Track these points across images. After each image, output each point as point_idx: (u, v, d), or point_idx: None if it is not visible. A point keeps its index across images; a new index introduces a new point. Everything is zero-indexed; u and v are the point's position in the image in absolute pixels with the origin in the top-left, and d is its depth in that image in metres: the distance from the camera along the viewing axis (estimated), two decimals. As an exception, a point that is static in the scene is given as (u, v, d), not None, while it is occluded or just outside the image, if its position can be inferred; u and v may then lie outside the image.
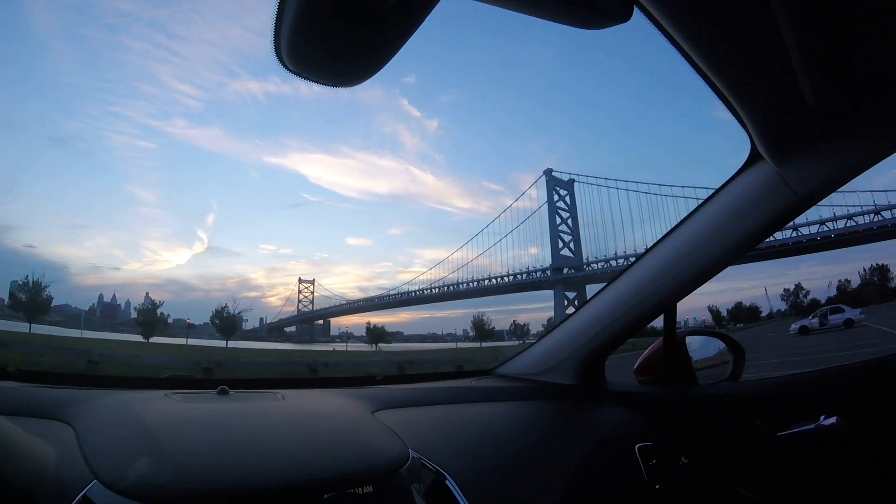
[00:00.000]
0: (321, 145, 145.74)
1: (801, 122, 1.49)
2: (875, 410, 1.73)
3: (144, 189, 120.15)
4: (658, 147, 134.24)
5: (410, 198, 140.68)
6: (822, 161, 1.61)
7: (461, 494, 1.15)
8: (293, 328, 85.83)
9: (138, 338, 46.37)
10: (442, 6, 0.67)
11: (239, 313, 58.96)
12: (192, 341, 52.52)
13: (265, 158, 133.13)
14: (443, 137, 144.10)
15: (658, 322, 2.09)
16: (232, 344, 51.16)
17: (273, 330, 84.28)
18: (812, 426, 1.74)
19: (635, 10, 1.14)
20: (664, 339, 2.04)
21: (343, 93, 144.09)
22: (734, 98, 1.41)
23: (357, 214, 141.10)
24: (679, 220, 1.91)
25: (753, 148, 1.64)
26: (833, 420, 1.72)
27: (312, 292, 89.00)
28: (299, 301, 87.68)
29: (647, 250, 1.97)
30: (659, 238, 1.96)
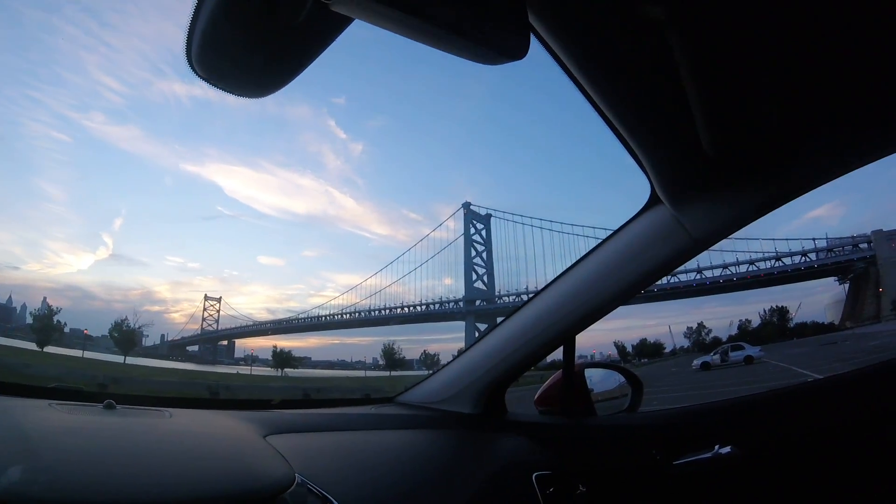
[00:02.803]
0: (242, 157, 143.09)
1: (699, 171, 1.57)
2: (768, 440, 1.83)
3: (53, 184, 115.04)
4: (572, 188, 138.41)
5: (328, 220, 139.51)
6: (717, 208, 1.70)
7: None
8: (196, 347, 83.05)
9: (32, 346, 43.52)
10: (382, 31, 0.68)
11: (140, 328, 56.78)
12: (88, 354, 49.56)
13: (182, 165, 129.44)
14: (367, 162, 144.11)
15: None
16: (131, 360, 49.09)
17: (175, 348, 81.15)
18: (707, 455, 1.81)
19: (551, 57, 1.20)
20: (563, 371, 2.07)
21: (271, 107, 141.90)
22: (635, 144, 1.48)
23: (272, 232, 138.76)
24: (580, 257, 1.96)
25: (653, 192, 1.72)
26: (728, 449, 1.79)
27: (218, 311, 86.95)
28: (204, 319, 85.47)
29: (549, 284, 2.00)
30: (560, 272, 2.00)
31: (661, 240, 1.79)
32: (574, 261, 1.96)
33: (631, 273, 1.85)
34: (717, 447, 1.81)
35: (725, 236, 1.79)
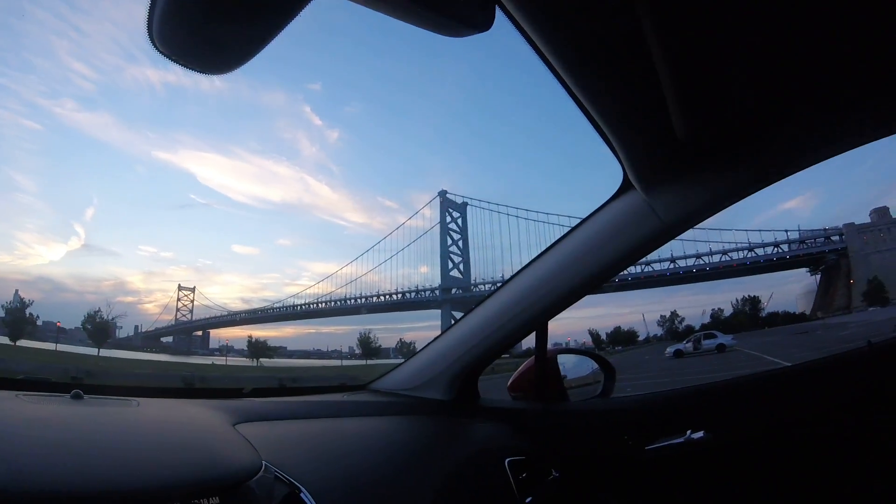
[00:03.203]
0: (215, 145, 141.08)
1: (671, 156, 1.58)
2: (738, 425, 1.87)
3: (24, 174, 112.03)
4: (549, 176, 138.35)
5: (303, 208, 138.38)
6: (689, 194, 1.71)
7: None
8: (170, 338, 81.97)
9: (4, 339, 42.65)
10: (357, 11, 0.68)
11: (113, 319, 55.97)
12: (62, 347, 48.45)
13: (154, 153, 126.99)
14: (343, 149, 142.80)
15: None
16: (104, 352, 48.08)
17: (149, 339, 79.79)
18: (679, 440, 1.84)
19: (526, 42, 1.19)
20: (536, 357, 2.09)
21: (245, 93, 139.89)
22: (607, 129, 1.48)
23: (246, 221, 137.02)
24: (552, 242, 1.97)
25: (625, 177, 1.73)
26: (699, 434, 1.82)
27: (192, 301, 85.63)
28: (178, 310, 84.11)
29: (521, 270, 2.01)
30: (532, 258, 2.00)
31: (633, 225, 1.79)
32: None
33: (603, 258, 1.85)
34: (688, 432, 1.83)
35: (697, 222, 1.80)
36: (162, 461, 1.01)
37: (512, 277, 2.03)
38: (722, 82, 1.31)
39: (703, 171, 1.67)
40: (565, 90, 1.33)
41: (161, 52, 0.69)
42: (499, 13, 1.09)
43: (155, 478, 0.93)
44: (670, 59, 1.18)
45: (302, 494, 1.13)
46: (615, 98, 1.37)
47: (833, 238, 55.98)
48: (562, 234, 1.91)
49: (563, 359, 2.20)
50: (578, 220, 1.89)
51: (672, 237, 1.81)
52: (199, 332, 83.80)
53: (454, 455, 1.64)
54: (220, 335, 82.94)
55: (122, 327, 69.43)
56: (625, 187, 1.77)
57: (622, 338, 59.84)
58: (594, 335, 58.82)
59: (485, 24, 0.76)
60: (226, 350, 73.20)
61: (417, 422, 1.85)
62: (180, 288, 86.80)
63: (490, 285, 67.64)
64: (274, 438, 1.34)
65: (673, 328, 56.19)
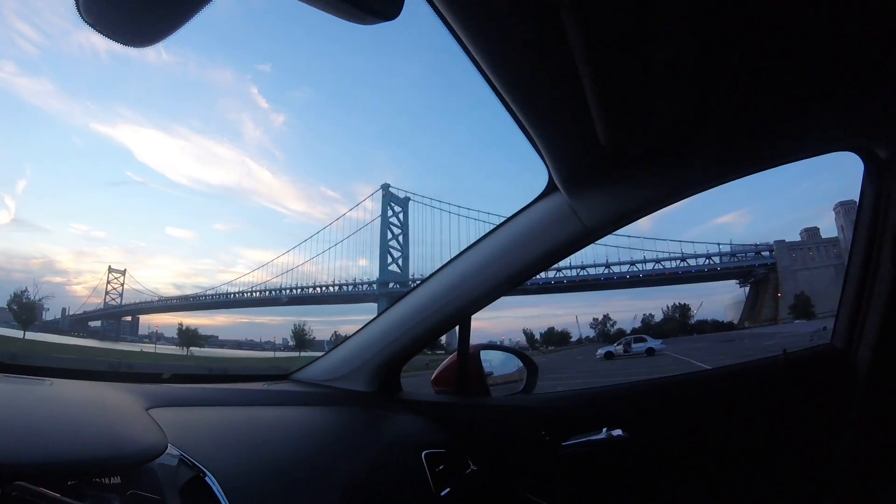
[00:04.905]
0: (157, 120, 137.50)
1: (594, 162, 1.62)
2: (653, 424, 1.93)
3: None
4: (488, 176, 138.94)
5: (243, 192, 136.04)
6: (610, 199, 1.77)
7: (222, 493, 1.11)
8: (98, 323, 79.34)
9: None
10: None
11: (40, 300, 53.87)
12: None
13: (93, 125, 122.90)
14: (288, 134, 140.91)
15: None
16: (30, 335, 46.16)
17: (76, 323, 77.23)
18: (595, 437, 1.89)
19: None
20: (458, 352, 2.11)
21: (192, 68, 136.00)
22: (533, 131, 1.50)
23: (183, 202, 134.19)
24: (477, 239, 1.99)
25: (550, 179, 1.76)
26: (616, 432, 1.88)
27: (123, 284, 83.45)
28: (107, 293, 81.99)
29: (445, 264, 2.03)
30: (457, 254, 2.03)
31: (556, 226, 1.84)
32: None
33: (525, 257, 1.89)
34: (605, 430, 1.89)
35: (618, 227, 1.86)
36: (64, 438, 0.99)
37: (436, 272, 2.05)
38: (645, 94, 1.34)
39: (626, 178, 1.72)
40: (492, 90, 1.34)
41: (86, 22, 0.67)
42: (428, 8, 1.11)
43: (54, 454, 0.91)
44: (594, 67, 1.20)
45: (207, 479, 1.12)
46: (540, 101, 1.39)
47: (763, 253, 58.76)
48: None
49: (489, 356, 2.23)
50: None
51: (593, 240, 1.87)
52: (129, 318, 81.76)
53: (370, 446, 1.64)
54: (150, 321, 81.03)
55: (49, 309, 67.22)
56: (549, 189, 1.81)
57: (555, 338, 61.10)
58: (528, 335, 60.12)
59: (391, 12, 0.75)
60: (155, 337, 71.47)
61: (336, 412, 1.85)
62: (111, 270, 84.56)
63: (428, 281, 68.12)
64: (186, 423, 1.32)
65: (605, 331, 57.97)
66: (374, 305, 68.89)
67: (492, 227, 1.97)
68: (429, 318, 1.99)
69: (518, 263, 1.90)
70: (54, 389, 1.28)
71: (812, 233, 57.50)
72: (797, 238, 58.47)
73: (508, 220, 1.93)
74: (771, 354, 2.01)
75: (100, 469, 0.93)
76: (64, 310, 79.34)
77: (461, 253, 2.01)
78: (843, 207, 50.04)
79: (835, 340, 1.96)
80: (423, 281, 2.09)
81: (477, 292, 1.95)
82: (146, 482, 0.99)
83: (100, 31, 0.69)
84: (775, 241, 58.98)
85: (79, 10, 0.66)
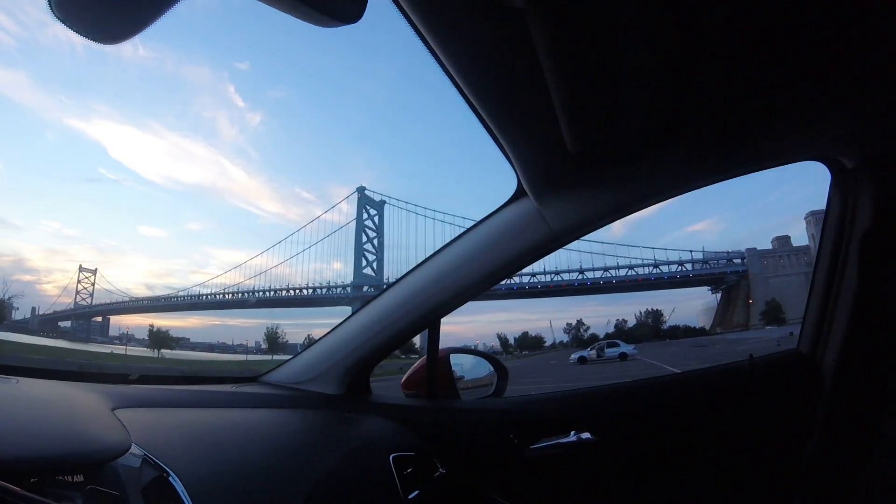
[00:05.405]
0: (131, 116, 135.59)
1: (562, 167, 1.64)
2: (621, 427, 1.96)
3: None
4: (462, 181, 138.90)
5: (217, 192, 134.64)
6: (578, 205, 1.80)
7: (186, 494, 1.11)
8: (69, 323, 77.71)
9: None
10: None
11: (9, 299, 52.83)
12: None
13: (66, 120, 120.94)
14: (263, 134, 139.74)
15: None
16: (0, 335, 45.31)
17: (46, 323, 75.52)
18: (563, 440, 1.91)
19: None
20: (427, 355, 2.11)
21: (168, 63, 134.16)
22: (502, 137, 1.52)
23: (155, 201, 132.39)
24: (446, 243, 2.01)
25: (519, 185, 1.78)
26: (584, 435, 1.90)
27: (93, 284, 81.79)
28: (78, 293, 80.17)
29: (414, 268, 2.03)
30: (426, 257, 2.03)
31: (524, 231, 1.86)
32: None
33: (493, 260, 1.91)
34: (573, 433, 1.90)
35: (585, 233, 1.90)
36: (27, 436, 0.98)
37: (406, 275, 2.05)
38: (612, 100, 1.36)
39: (594, 183, 1.74)
40: (461, 94, 1.35)
41: (57, 18, 0.66)
42: (396, 11, 1.11)
43: (16, 451, 0.90)
44: (561, 72, 1.21)
45: (170, 479, 1.11)
46: (507, 106, 1.40)
47: (735, 260, 59.58)
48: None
49: (460, 359, 2.24)
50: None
51: (561, 245, 1.89)
52: (100, 318, 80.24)
53: (338, 449, 1.63)
54: (120, 322, 79.54)
55: (18, 308, 65.87)
56: (518, 194, 1.83)
57: (529, 343, 61.20)
58: (502, 339, 60.07)
59: (353, 15, 0.75)
60: (126, 338, 70.02)
61: (304, 415, 1.84)
62: (81, 269, 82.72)
63: (402, 286, 68.17)
64: (151, 424, 1.31)
65: (578, 336, 58.27)
66: (348, 309, 68.50)
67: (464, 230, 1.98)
68: (398, 321, 1.99)
69: (487, 267, 1.92)
70: (20, 388, 1.26)
71: (783, 241, 58.49)
72: (769, 246, 59.57)
73: (477, 224, 1.94)
74: (739, 359, 2.04)
75: (61, 466, 0.92)
76: (34, 309, 77.70)
77: (430, 256, 2.02)
78: (814, 217, 50.77)
79: (801, 345, 2.00)
80: (393, 284, 2.09)
81: (446, 295, 1.96)
82: (109, 481, 0.98)
83: (71, 27, 0.69)
84: (747, 249, 59.86)
85: (50, 6, 0.65)
